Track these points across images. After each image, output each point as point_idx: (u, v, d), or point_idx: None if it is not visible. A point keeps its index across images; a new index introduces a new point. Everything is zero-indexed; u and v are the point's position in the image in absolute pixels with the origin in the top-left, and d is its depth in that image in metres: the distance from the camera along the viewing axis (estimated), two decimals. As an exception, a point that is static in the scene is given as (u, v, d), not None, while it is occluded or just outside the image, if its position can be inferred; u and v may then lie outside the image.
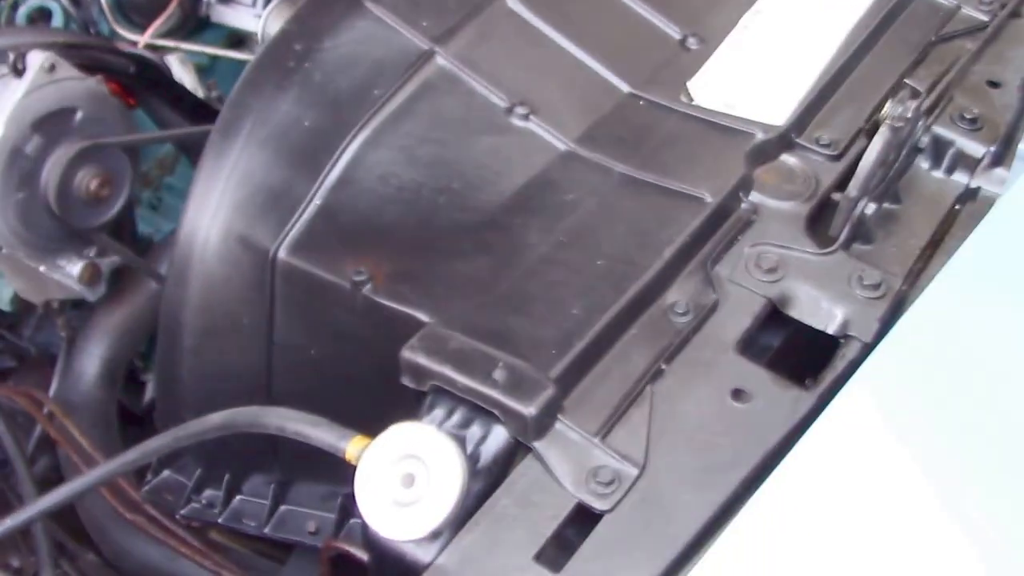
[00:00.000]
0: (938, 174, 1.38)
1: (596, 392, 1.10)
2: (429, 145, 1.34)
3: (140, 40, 1.81)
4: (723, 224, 1.27)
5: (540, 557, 0.98)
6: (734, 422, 1.09)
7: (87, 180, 1.53)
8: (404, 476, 1.01)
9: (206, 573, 1.42)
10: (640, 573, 0.97)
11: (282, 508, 1.49)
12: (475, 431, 1.06)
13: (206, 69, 1.96)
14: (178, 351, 1.38)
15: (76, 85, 1.52)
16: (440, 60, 1.39)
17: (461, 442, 1.03)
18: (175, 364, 1.39)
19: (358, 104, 1.35)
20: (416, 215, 1.29)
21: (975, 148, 1.37)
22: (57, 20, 1.77)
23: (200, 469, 1.50)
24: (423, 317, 1.15)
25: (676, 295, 1.20)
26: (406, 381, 1.11)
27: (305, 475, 1.47)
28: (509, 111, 1.37)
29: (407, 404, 1.20)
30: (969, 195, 1.37)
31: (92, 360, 1.77)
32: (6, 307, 1.84)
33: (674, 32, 1.52)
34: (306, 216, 1.29)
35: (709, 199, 1.27)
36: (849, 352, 1.16)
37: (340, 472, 1.38)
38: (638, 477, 1.03)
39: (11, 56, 1.47)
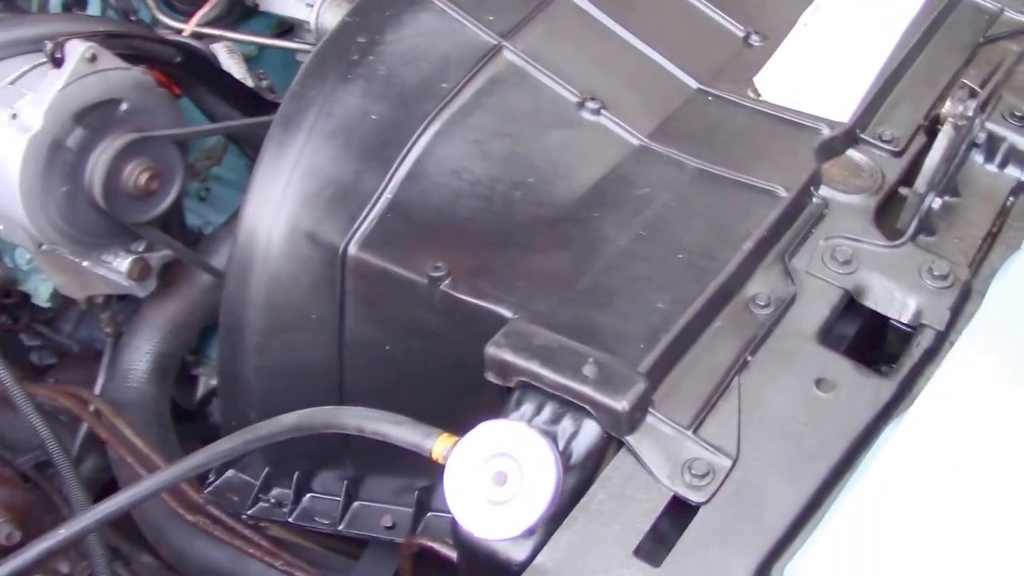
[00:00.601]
0: (992, 168, 1.39)
1: (684, 385, 1.10)
2: (501, 139, 1.33)
3: (185, 28, 1.78)
4: (797, 218, 1.27)
5: (639, 552, 0.98)
6: (820, 411, 1.09)
7: (136, 173, 1.51)
8: (496, 474, 1.00)
9: (276, 573, 1.40)
10: (739, 564, 0.97)
11: (355, 504, 1.47)
12: (566, 427, 1.05)
13: (253, 59, 1.94)
14: (242, 350, 1.36)
15: (120, 75, 1.49)
16: (508, 54, 1.39)
17: (552, 438, 1.02)
18: (239, 363, 1.37)
19: (426, 97, 1.34)
20: (491, 210, 1.28)
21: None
22: (94, 7, 1.75)
23: (268, 467, 1.48)
24: (505, 312, 1.15)
25: (756, 287, 1.19)
26: (491, 377, 1.10)
27: (378, 469, 1.46)
28: (580, 105, 1.36)
29: (486, 401, 1.19)
30: (1021, 188, 1.38)
31: (141, 355, 1.75)
32: (45, 303, 1.83)
33: (737, 29, 1.52)
34: (377, 211, 1.28)
35: (783, 193, 1.26)
36: (924, 340, 1.17)
37: (415, 465, 1.38)
38: (732, 468, 1.03)
39: (49, 45, 1.43)
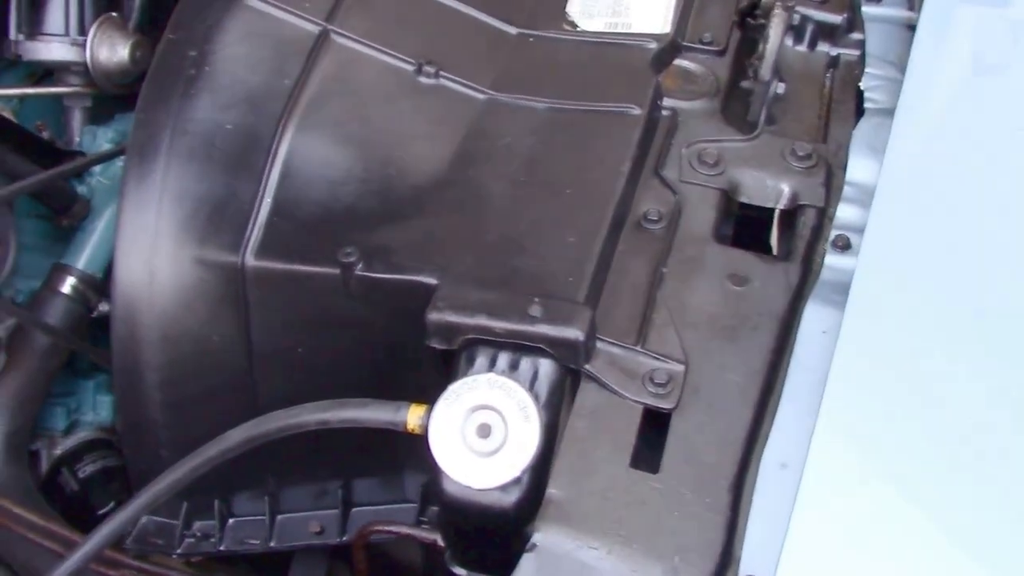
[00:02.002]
0: (802, 49, 1.50)
1: (615, 308, 1.16)
2: (355, 122, 1.34)
3: (-42, 92, 1.68)
4: (655, 132, 1.34)
5: (635, 463, 1.03)
6: (741, 303, 1.17)
7: (-27, 244, 1.43)
8: (479, 427, 1.03)
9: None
10: (725, 455, 1.04)
11: (279, 518, 1.46)
12: (524, 370, 1.09)
13: (17, 113, 1.85)
14: (143, 390, 1.32)
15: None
16: (336, 38, 1.39)
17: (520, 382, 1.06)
18: (142, 404, 1.33)
19: (274, 97, 1.33)
20: (372, 190, 1.29)
21: (832, 19, 1.50)
22: None
23: (185, 503, 1.44)
24: (428, 280, 1.17)
25: (643, 206, 1.26)
26: (434, 343, 1.12)
27: (293, 479, 1.45)
28: (418, 72, 1.38)
29: (412, 378, 1.21)
30: (835, 63, 1.50)
31: None
32: None
33: (531, -31, 1.56)
34: (262, 218, 1.27)
35: (637, 111, 1.33)
36: (808, 219, 1.26)
37: (330, 464, 1.39)
38: (687, 371, 1.09)
39: None
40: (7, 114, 1.75)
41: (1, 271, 1.50)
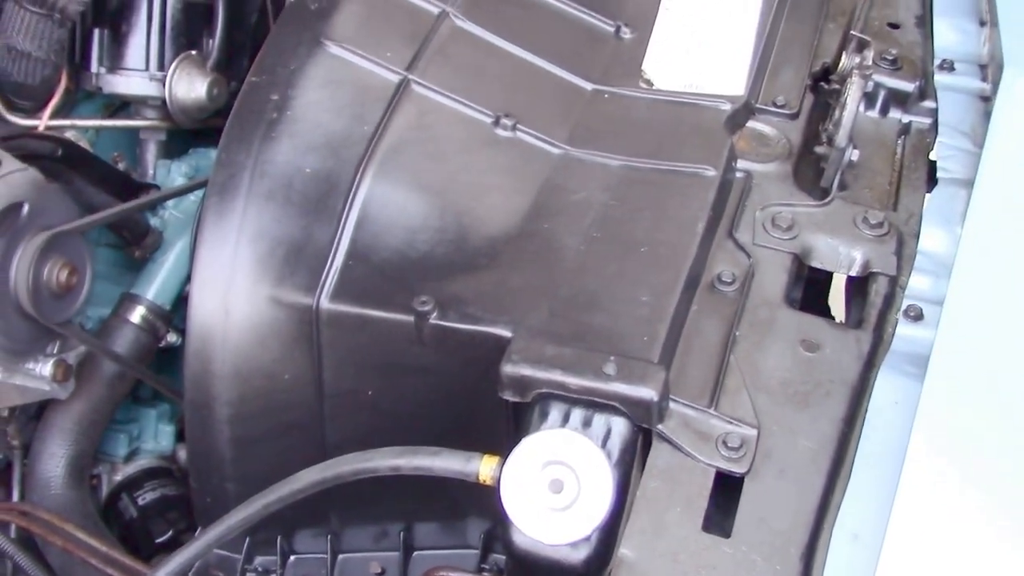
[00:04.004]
0: (873, 114, 1.51)
1: (688, 368, 1.16)
2: (433, 171, 1.36)
3: (40, 123, 1.72)
4: (729, 193, 1.35)
5: (707, 527, 1.03)
6: (814, 369, 1.17)
7: (56, 271, 1.47)
8: (551, 482, 1.04)
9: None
10: (797, 523, 1.04)
11: (340, 557, 1.47)
12: (597, 428, 1.10)
13: (93, 143, 1.89)
14: (213, 424, 1.34)
15: (21, 177, 1.45)
16: (416, 87, 1.41)
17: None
18: (211, 438, 1.35)
19: (353, 143, 1.35)
20: (447, 239, 1.31)
21: (904, 86, 1.51)
22: (-53, 115, 1.67)
23: (248, 538, 1.46)
24: (503, 332, 1.18)
25: (717, 267, 1.27)
26: (507, 395, 1.13)
27: (355, 519, 1.46)
28: (495, 124, 1.40)
29: (477, 426, 1.23)
30: (906, 129, 1.51)
31: (57, 462, 1.70)
32: (-56, 423, 1.73)
33: (607, 25, 1.59)
34: (338, 261, 1.29)
35: (712, 172, 1.34)
36: (880, 287, 1.27)
37: (393, 508, 1.40)
38: (759, 436, 1.10)
39: (-48, 158, 1.38)
40: (84, 144, 1.79)
41: (77, 300, 1.52)
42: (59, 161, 1.58)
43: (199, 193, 1.78)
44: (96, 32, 1.78)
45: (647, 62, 1.53)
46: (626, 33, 1.58)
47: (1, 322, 1.44)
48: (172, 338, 1.77)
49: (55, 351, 1.56)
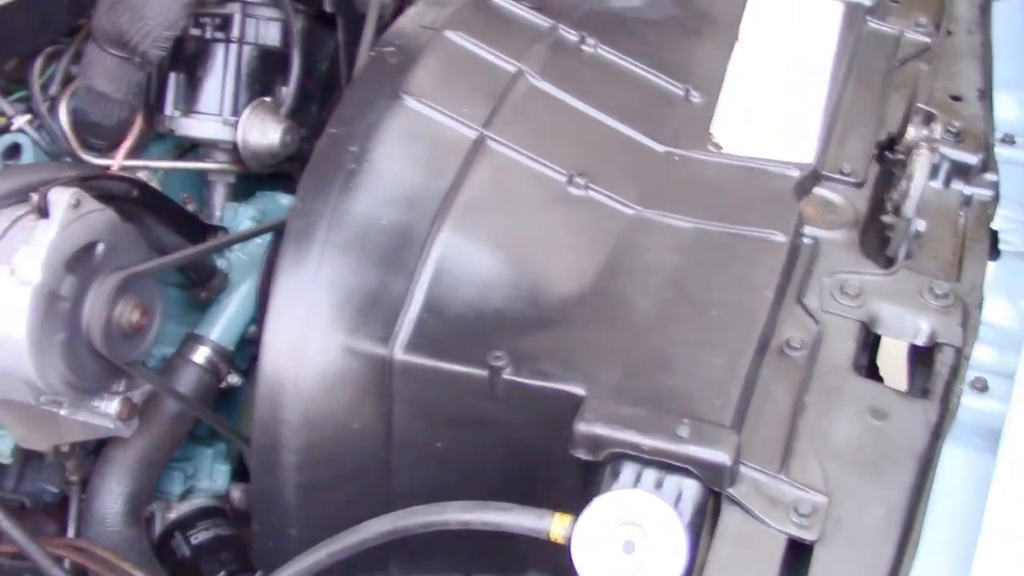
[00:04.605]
0: (936, 185, 1.52)
1: (758, 433, 1.18)
2: (507, 227, 1.39)
3: (114, 163, 1.76)
4: (797, 259, 1.37)
5: (777, 594, 1.04)
6: (882, 438, 1.19)
7: (127, 312, 1.49)
8: (624, 543, 1.05)
9: None
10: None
11: (407, 606, 1.48)
12: (669, 489, 1.11)
13: (162, 183, 1.93)
14: (280, 470, 1.36)
15: (98, 218, 1.48)
16: (491, 143, 1.44)
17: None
18: (277, 483, 1.37)
19: (429, 197, 1.38)
20: (521, 296, 1.33)
21: (968, 159, 1.53)
22: (28, 153, 1.71)
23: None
24: (577, 391, 1.20)
25: (786, 332, 1.29)
26: (579, 453, 1.15)
27: (416, 568, 1.47)
28: (569, 182, 1.43)
29: (546, 481, 1.24)
30: (968, 202, 1.52)
31: (115, 499, 1.72)
32: (7, 459, 1.76)
33: (677, 88, 1.61)
34: (412, 313, 1.31)
35: (781, 238, 1.36)
36: (946, 358, 1.28)
37: (451, 558, 1.41)
38: (829, 503, 1.11)
39: (34, 197, 1.42)
40: (155, 184, 1.82)
41: (146, 340, 1.55)
42: (133, 202, 1.61)
43: (265, 236, 1.81)
44: (172, 76, 1.82)
45: (715, 126, 1.56)
46: (695, 97, 1.61)
47: (72, 359, 1.46)
48: (233, 379, 1.79)
49: (121, 389, 1.58)
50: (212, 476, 1.88)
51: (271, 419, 1.34)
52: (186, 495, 1.86)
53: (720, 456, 1.10)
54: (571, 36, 1.64)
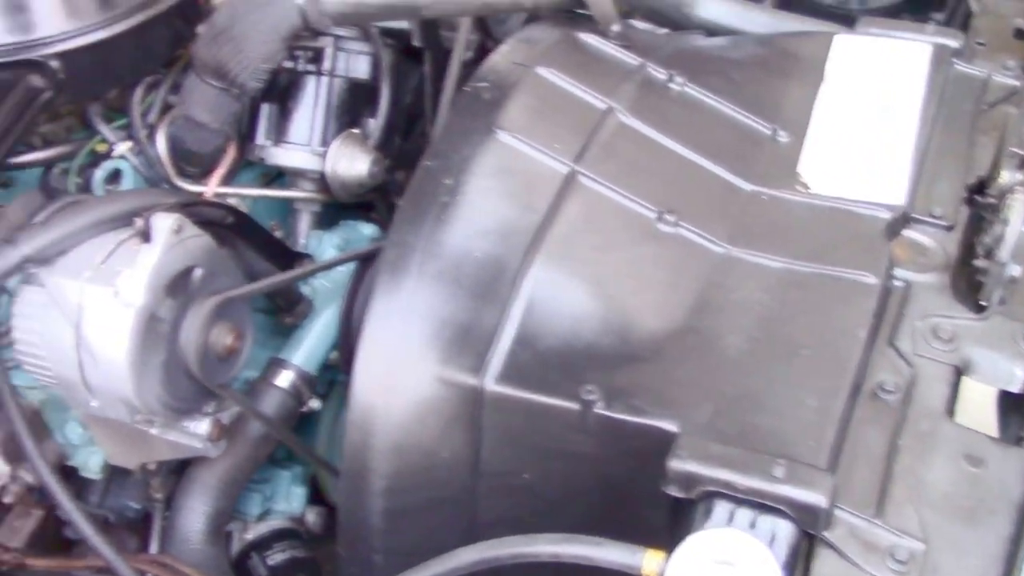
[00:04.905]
0: None
1: (853, 476, 1.17)
2: (598, 262, 1.40)
3: (207, 191, 1.80)
4: (888, 302, 1.36)
5: (875, 640, 1.04)
6: (978, 485, 1.18)
7: (222, 336, 1.53)
8: (719, 583, 1.05)
9: None
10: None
11: (481, 636, 1.48)
12: (763, 530, 1.11)
13: (250, 210, 1.96)
14: (367, 495, 1.38)
15: (197, 243, 1.52)
16: (582, 179, 1.46)
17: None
18: (364, 508, 1.39)
19: (522, 230, 1.40)
20: (612, 330, 1.34)
21: (1059, 203, 1.51)
22: (128, 178, 1.76)
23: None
24: (669, 427, 1.20)
25: (879, 375, 1.28)
26: (671, 490, 1.15)
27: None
28: (659, 219, 1.44)
29: (633, 516, 1.24)
30: None
31: (197, 517, 1.74)
32: (96, 475, 1.79)
33: (764, 127, 1.62)
34: (504, 345, 1.33)
35: (872, 280, 1.36)
36: None
37: None
38: (926, 550, 1.10)
39: (139, 221, 1.46)
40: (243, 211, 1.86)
41: (238, 364, 1.58)
42: (228, 228, 1.65)
43: (348, 264, 1.84)
44: (264, 107, 1.86)
45: (803, 165, 1.56)
46: (782, 136, 1.61)
47: (168, 380, 1.49)
48: (314, 403, 1.82)
49: (211, 410, 1.61)
50: (289, 498, 1.91)
51: (361, 445, 1.37)
52: (263, 516, 1.89)
53: (816, 498, 1.10)
54: (659, 74, 1.66)
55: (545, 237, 1.39)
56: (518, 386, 1.30)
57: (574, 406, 1.26)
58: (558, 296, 1.37)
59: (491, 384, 1.31)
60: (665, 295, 1.38)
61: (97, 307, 1.44)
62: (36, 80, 1.58)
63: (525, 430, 1.32)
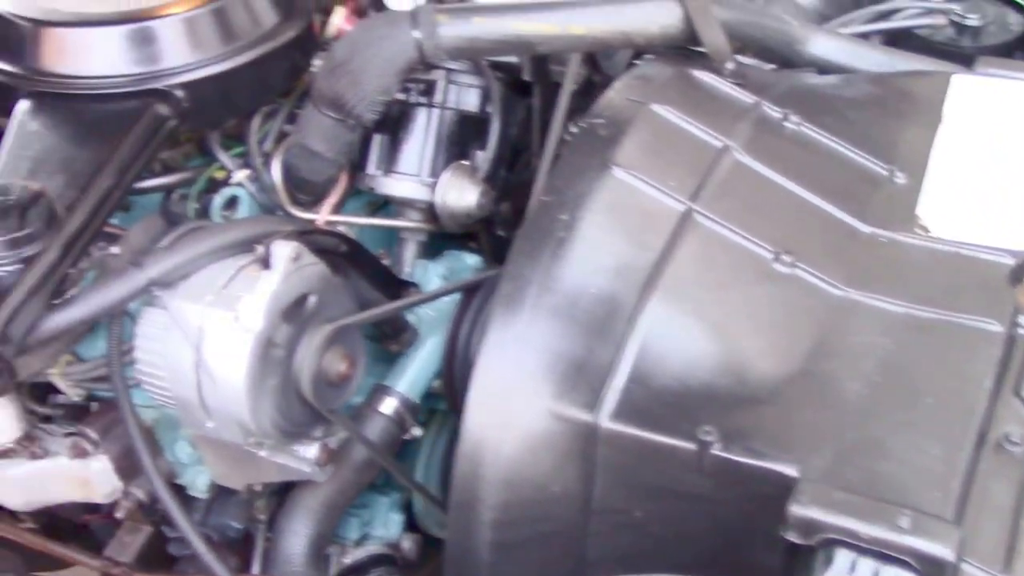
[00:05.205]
0: None
1: (980, 529, 1.14)
2: (714, 301, 1.39)
3: (319, 218, 1.83)
4: (1013, 349, 1.34)
5: None
6: (1107, 541, 1.14)
7: (335, 362, 1.55)
8: (842, 633, 1.04)
9: None
10: None
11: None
12: (886, 581, 1.09)
13: (357, 238, 1.99)
14: (476, 526, 1.39)
15: (313, 271, 1.54)
16: (698, 217, 1.45)
17: (882, 593, 1.07)
18: (472, 539, 1.39)
19: (637, 268, 1.40)
20: (728, 371, 1.33)
21: None
22: (244, 205, 1.79)
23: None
24: (789, 472, 1.19)
25: (1004, 425, 1.26)
26: (791, 535, 1.14)
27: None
28: (775, 259, 1.43)
29: (746, 558, 1.23)
30: None
31: (300, 540, 1.76)
32: (203, 494, 1.82)
33: (881, 168, 1.60)
34: (619, 382, 1.33)
35: (997, 328, 1.34)
36: None
37: None
38: (1056, 608, 1.07)
39: (260, 248, 1.49)
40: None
41: (349, 390, 1.60)
42: (341, 256, 1.67)
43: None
44: (375, 137, 1.88)
45: (922, 208, 1.54)
46: (899, 177, 1.60)
47: (283, 404, 1.52)
48: (416, 431, 1.83)
49: (319, 435, 1.64)
50: (386, 524, 1.92)
51: (471, 475, 1.37)
52: (361, 541, 1.90)
53: (943, 551, 1.08)
54: (774, 112, 1.65)
55: (661, 275, 1.39)
56: (633, 424, 1.30)
57: (690, 446, 1.25)
58: (673, 334, 1.36)
59: (606, 421, 1.31)
60: (782, 337, 1.37)
61: (217, 331, 1.47)
62: (162, 109, 1.62)
63: (639, 468, 1.31)
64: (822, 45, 1.87)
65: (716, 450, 1.24)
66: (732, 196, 1.50)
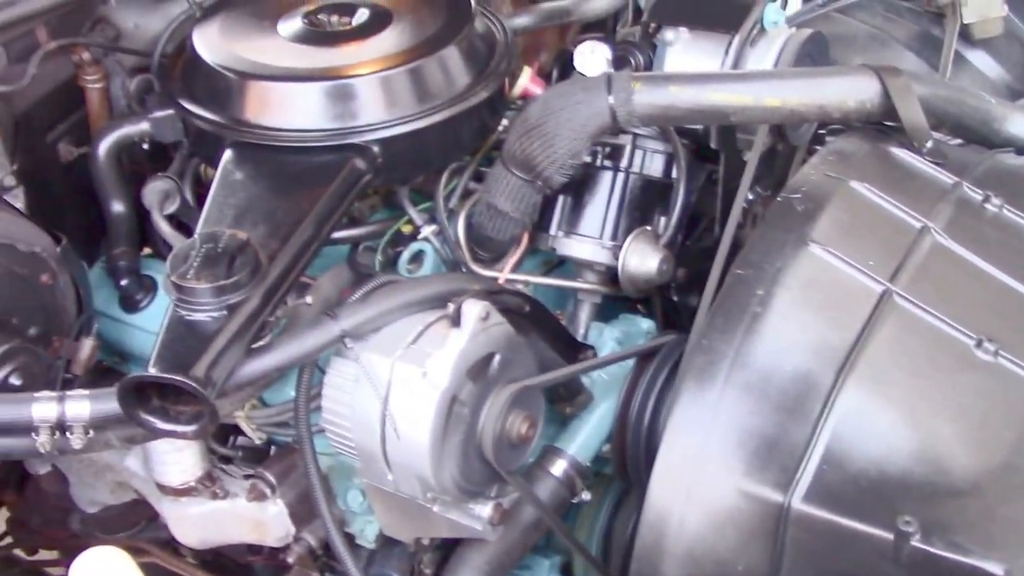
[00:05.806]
0: None
1: None
2: (913, 387, 1.35)
3: (501, 276, 1.85)
4: None
5: None
6: None
7: (518, 423, 1.55)
8: None
9: None
10: None
11: None
12: None
13: (531, 297, 2.00)
14: (657, 600, 1.36)
15: (499, 330, 1.56)
16: (898, 299, 1.42)
17: None
18: (652, 612, 1.37)
19: (834, 347, 1.37)
20: (928, 459, 1.29)
21: None
22: (429, 261, 1.82)
23: None
24: (996, 571, 1.15)
25: None
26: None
27: None
28: (977, 347, 1.38)
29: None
30: None
31: None
32: (370, 544, 1.85)
33: (1086, 258, 1.54)
34: (812, 464, 1.30)
35: None
36: None
37: None
38: None
39: (451, 306, 1.51)
40: (524, 298, 1.89)
41: (527, 451, 1.61)
42: (524, 316, 1.68)
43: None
44: (560, 198, 1.90)
45: None
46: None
47: (463, 462, 1.53)
48: (585, 495, 1.82)
49: (494, 494, 1.64)
50: (547, 586, 1.91)
51: (653, 547, 1.36)
52: (522, 602, 1.90)
53: None
54: (975, 194, 1.61)
55: (859, 357, 1.36)
56: (827, 507, 1.27)
57: (887, 535, 1.22)
58: (870, 418, 1.33)
59: (798, 502, 1.28)
60: (985, 427, 1.32)
61: (405, 385, 1.50)
62: (359, 163, 1.66)
63: (830, 553, 1.28)
64: (1021, 124, 1.81)
65: (916, 541, 1.20)
66: (932, 279, 1.46)
